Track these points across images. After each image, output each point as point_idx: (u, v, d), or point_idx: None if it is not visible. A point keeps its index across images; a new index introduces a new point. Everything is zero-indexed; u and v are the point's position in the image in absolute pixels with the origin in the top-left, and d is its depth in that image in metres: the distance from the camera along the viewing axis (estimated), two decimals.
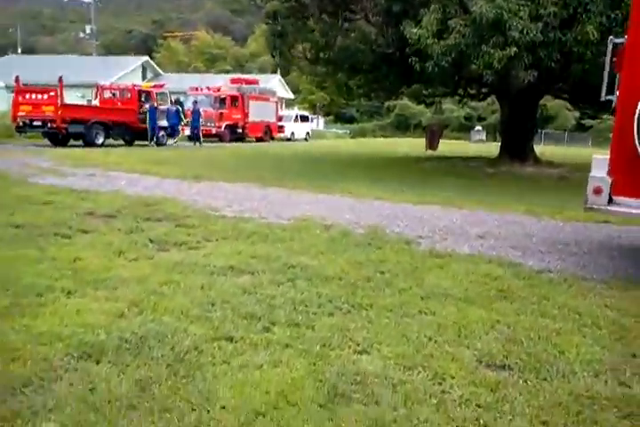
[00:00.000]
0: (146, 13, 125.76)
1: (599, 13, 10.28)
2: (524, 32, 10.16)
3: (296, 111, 44.87)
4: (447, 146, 31.03)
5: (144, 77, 54.89)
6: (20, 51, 63.00)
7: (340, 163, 17.84)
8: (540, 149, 18.25)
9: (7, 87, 35.28)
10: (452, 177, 14.18)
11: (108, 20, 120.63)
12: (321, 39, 14.47)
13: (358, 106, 79.65)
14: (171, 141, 23.88)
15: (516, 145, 16.20)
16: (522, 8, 10.15)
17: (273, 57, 15.41)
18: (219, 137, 30.74)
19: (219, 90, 31.23)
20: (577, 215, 8.08)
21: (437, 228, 7.06)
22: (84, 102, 26.11)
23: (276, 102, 36.05)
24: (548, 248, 6.06)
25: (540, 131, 17.35)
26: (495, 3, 10.05)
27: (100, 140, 21.03)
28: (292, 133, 39.42)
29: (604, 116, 50.14)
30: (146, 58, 55.73)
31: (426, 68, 11.37)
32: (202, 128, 30.11)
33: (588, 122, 51.83)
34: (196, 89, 32.04)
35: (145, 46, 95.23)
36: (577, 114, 49.64)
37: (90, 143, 20.57)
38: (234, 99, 31.77)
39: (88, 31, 59.58)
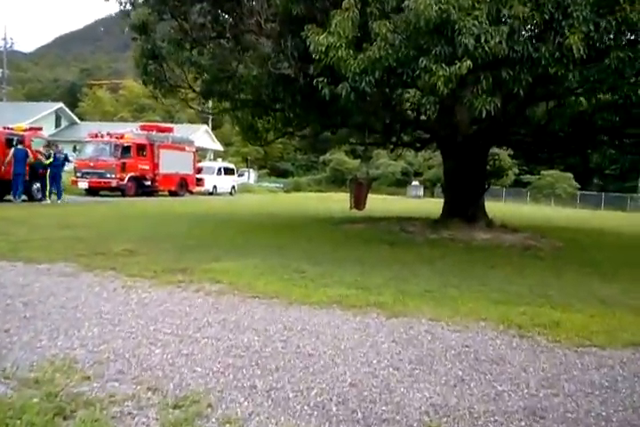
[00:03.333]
0: (79, 64, 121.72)
1: (584, 20, 7.06)
2: (482, 39, 6.81)
3: (219, 163, 41.19)
4: (380, 202, 27.71)
5: (57, 125, 50.45)
6: None
7: (247, 224, 13.93)
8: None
9: None
10: (381, 245, 10.49)
11: (39, 71, 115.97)
12: (208, 63, 10.86)
13: (293, 160, 77.38)
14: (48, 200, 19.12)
15: (463, 203, 12.80)
16: (478, 4, 6.85)
17: (145, 85, 11.78)
18: (121, 191, 26.41)
19: (122, 137, 27.10)
20: (607, 336, 4.44)
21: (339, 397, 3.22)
22: None
23: (194, 153, 32.19)
24: None
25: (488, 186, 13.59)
26: None
27: None
28: (215, 187, 35.53)
29: (543, 172, 48.99)
30: (59, 104, 51.33)
31: (338, 94, 7.81)
32: (100, 180, 25.94)
33: (526, 177, 50.41)
34: (96, 135, 27.84)
35: (71, 95, 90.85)
36: (515, 168, 48.13)
37: None
38: (140, 147, 27.67)
39: None
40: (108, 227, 11.72)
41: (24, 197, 18.43)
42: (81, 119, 60.88)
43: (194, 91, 12.49)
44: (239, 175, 56.65)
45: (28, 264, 7.01)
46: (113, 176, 25.92)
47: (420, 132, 14.93)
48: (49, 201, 18.68)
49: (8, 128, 20.12)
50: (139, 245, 9.16)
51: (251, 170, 60.34)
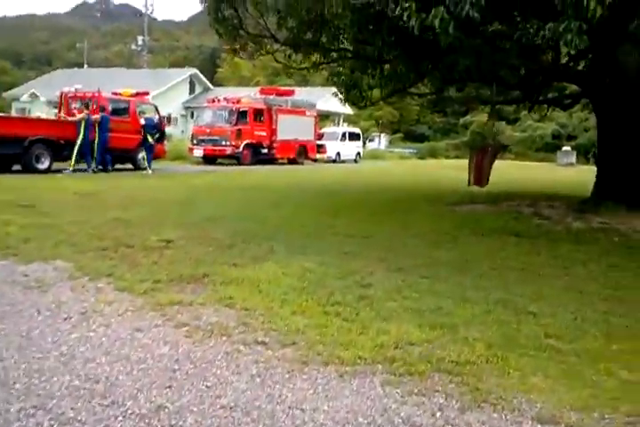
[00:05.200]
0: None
1: None
2: None
3: (343, 128, 39.09)
4: (520, 171, 24.25)
5: (192, 91, 51.19)
6: (85, 65, 61.69)
7: (343, 202, 11.79)
8: None
9: (49, 102, 32.16)
10: (502, 237, 7.86)
11: (188, 39, 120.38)
12: (289, 3, 8.60)
13: (431, 122, 73.01)
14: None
15: (623, 180, 9.56)
16: None
17: (219, 36, 9.82)
18: (236, 159, 25.39)
19: (238, 101, 25.91)
20: None
21: None
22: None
23: (315, 117, 30.39)
24: None
25: None
26: None
27: (45, 164, 16.01)
28: (338, 154, 33.64)
29: None
30: (194, 70, 52.00)
31: (431, 25, 5.25)
32: (215, 148, 25.06)
33: None
34: (213, 101, 26.96)
35: (211, 61, 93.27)
36: None
37: (29, 168, 15.61)
38: (257, 112, 26.38)
39: (140, 43, 56.49)
40: (174, 206, 10.19)
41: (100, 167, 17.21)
42: (219, 85, 61.90)
43: (277, 41, 10.39)
44: (369, 140, 54.44)
45: (12, 263, 5.49)
46: (228, 143, 24.95)
47: (569, 84, 11.64)
48: (150, 171, 17.80)
49: (116, 93, 19.55)
50: (186, 232, 7.43)
51: (382, 135, 57.71)
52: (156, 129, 18.48)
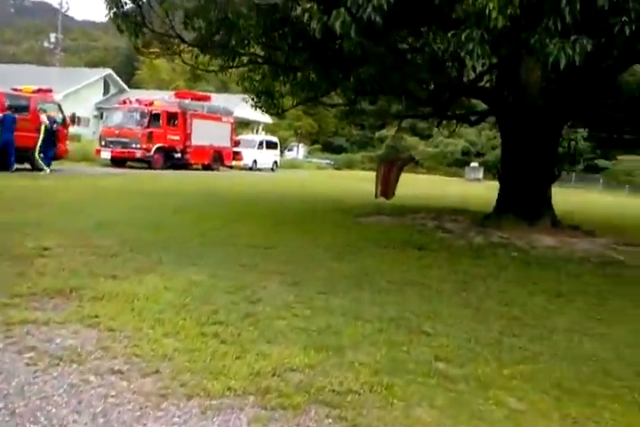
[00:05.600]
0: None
1: None
2: None
3: (261, 136, 38.72)
4: (428, 185, 24.80)
5: (106, 92, 49.20)
6: None
7: (250, 210, 11.36)
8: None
9: None
10: (405, 251, 7.72)
11: (107, 39, 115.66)
12: (194, 4, 8.12)
13: (348, 135, 73.96)
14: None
15: (524, 195, 9.74)
16: None
17: (120, 31, 9.18)
18: (147, 163, 24.37)
19: (151, 104, 24.94)
20: None
21: None
22: None
23: (231, 124, 29.79)
24: None
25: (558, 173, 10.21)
26: None
27: None
28: (255, 162, 33.17)
29: (619, 157, 44.06)
30: (108, 71, 50.03)
31: (332, 28, 4.98)
32: (124, 150, 23.94)
33: (600, 162, 45.54)
34: (124, 102, 25.83)
35: (129, 63, 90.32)
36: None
37: None
38: (171, 116, 25.50)
39: (53, 40, 53.79)
40: (66, 209, 9.40)
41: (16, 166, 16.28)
42: (137, 88, 59.81)
43: (183, 41, 9.87)
44: (288, 150, 54.31)
45: None
46: (138, 146, 23.90)
47: (477, 101, 11.84)
48: (48, 171, 16.64)
49: (16, 89, 18.20)
50: (69, 238, 6.76)
51: (300, 145, 57.78)
52: (56, 128, 17.29)
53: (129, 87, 54.34)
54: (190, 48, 10.12)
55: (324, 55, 7.62)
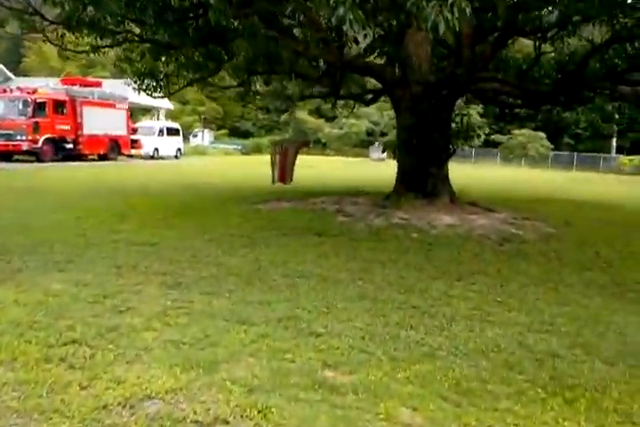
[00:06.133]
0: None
1: None
2: None
3: (161, 122, 37.10)
4: (331, 167, 24.71)
5: None
6: None
7: (140, 203, 10.53)
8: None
9: None
10: (303, 238, 7.31)
11: None
12: None
13: (255, 119, 72.77)
14: None
15: (421, 174, 9.58)
16: None
17: None
18: (35, 155, 22.57)
19: (34, 91, 23.04)
20: None
21: None
22: None
23: (126, 110, 28.18)
24: None
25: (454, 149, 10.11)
26: None
27: None
28: (156, 150, 31.68)
29: (514, 131, 45.87)
30: None
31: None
32: (8, 143, 22.01)
33: (497, 137, 47.23)
34: (4, 91, 23.72)
35: (16, 50, 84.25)
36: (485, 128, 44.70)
37: None
38: (58, 104, 23.72)
39: None
40: None
41: None
42: (24, 76, 55.68)
43: (44, 18, 8.80)
44: (193, 136, 52.64)
45: None
46: (24, 138, 22.07)
47: (371, 80, 11.53)
48: None
49: None
50: None
51: (206, 130, 56.21)
52: None
53: (15, 75, 50.45)
54: (55, 26, 9.08)
55: (197, 30, 6.96)
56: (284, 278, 5.37)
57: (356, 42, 7.80)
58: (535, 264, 6.54)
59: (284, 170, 9.16)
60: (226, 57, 8.76)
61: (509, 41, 10.13)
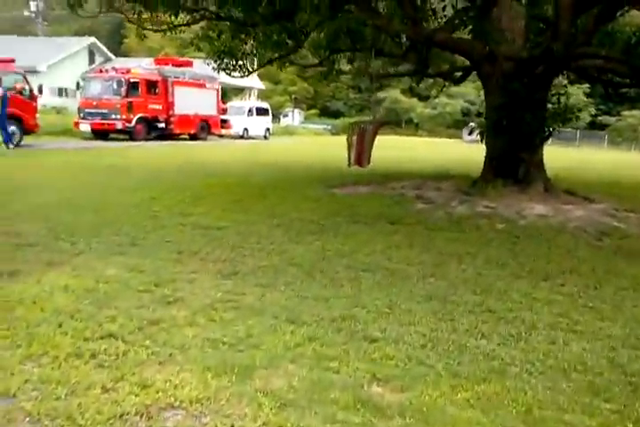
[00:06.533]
0: None
1: None
2: None
3: (251, 102, 37.41)
4: (421, 148, 23.85)
5: (92, 61, 47.52)
6: None
7: (217, 183, 10.43)
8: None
9: None
10: (377, 226, 6.86)
11: (93, 7, 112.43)
12: None
13: (346, 99, 72.17)
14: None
15: (512, 158, 8.80)
16: None
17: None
18: (129, 134, 23.37)
19: (128, 71, 23.75)
20: None
21: None
22: None
23: (217, 90, 28.57)
24: None
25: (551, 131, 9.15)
26: None
27: None
28: (245, 130, 32.03)
29: (624, 113, 42.50)
30: (92, 39, 48.32)
31: None
32: (104, 122, 22.90)
33: (604, 119, 44.00)
34: (100, 71, 24.66)
35: (118, 32, 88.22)
36: (591, 108, 41.72)
37: None
38: (151, 84, 24.35)
39: (33, 9, 51.86)
40: (1, 191, 8.56)
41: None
42: (124, 56, 58.09)
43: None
44: (284, 116, 52.96)
45: None
46: (118, 117, 22.83)
47: (459, 57, 10.74)
48: (12, 147, 15.75)
49: None
50: None
51: (297, 110, 56.36)
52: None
53: (116, 56, 52.69)
54: (132, 4, 9.04)
55: (269, 4, 6.60)
56: (347, 271, 4.99)
57: (434, 13, 7.13)
58: (637, 264, 5.75)
59: (361, 152, 8.73)
60: (302, 35, 8.38)
61: (617, 13, 9.02)
